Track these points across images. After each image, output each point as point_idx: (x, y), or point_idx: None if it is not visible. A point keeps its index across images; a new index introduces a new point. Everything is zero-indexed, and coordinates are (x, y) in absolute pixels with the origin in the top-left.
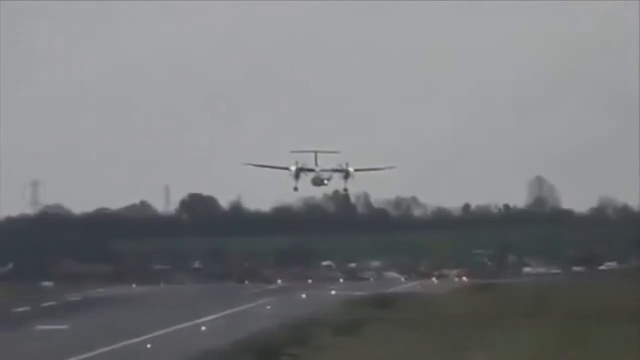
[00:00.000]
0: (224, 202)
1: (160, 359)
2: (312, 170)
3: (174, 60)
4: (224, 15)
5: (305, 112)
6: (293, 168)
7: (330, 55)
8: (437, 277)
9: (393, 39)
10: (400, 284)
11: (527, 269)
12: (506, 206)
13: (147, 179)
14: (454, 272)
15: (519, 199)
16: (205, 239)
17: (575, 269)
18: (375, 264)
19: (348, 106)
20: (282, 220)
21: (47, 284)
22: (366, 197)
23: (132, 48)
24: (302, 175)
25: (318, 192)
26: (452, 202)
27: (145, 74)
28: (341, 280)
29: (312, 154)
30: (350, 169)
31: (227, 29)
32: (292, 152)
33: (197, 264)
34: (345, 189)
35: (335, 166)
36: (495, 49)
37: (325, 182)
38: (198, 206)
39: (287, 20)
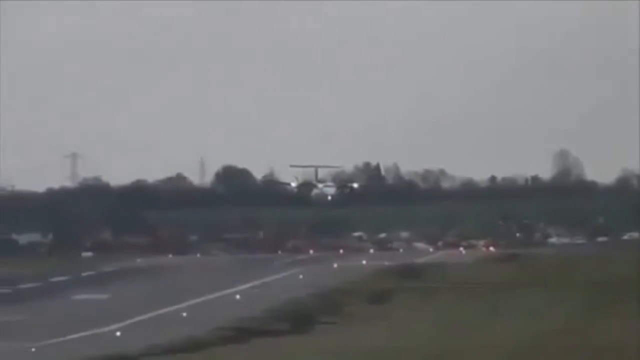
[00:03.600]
0: (258, 174)
1: (197, 326)
2: (313, 185)
3: (211, 35)
4: None
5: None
6: (294, 184)
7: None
8: (465, 247)
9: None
10: (429, 254)
11: (552, 240)
12: (534, 178)
13: (183, 152)
14: (481, 242)
15: (544, 172)
16: (239, 211)
17: (600, 239)
18: (405, 234)
19: (375, 81)
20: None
21: (86, 254)
22: (396, 169)
23: (164, 21)
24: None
25: (349, 166)
26: (479, 174)
27: (180, 47)
28: (371, 250)
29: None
30: (355, 185)
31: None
32: (291, 166)
33: (231, 235)
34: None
35: (331, 180)
36: (519, 21)
37: (329, 198)
38: (232, 178)
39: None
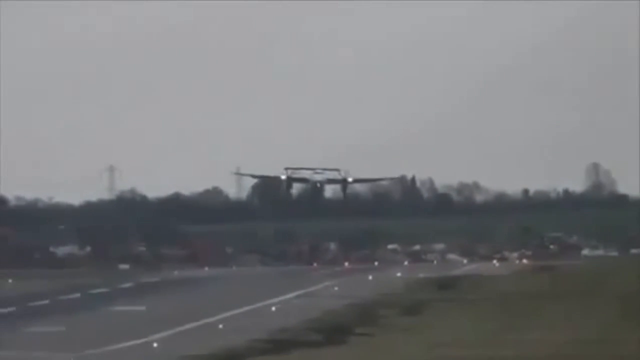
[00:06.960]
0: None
1: (236, 337)
2: (305, 180)
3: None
4: None
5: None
6: (283, 177)
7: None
8: (498, 260)
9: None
10: (463, 266)
11: (585, 252)
12: (566, 191)
13: (219, 165)
14: (515, 254)
15: (577, 185)
16: (275, 224)
17: (632, 251)
18: (439, 247)
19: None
20: (350, 205)
21: (123, 266)
22: (431, 182)
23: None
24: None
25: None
26: (512, 187)
27: (218, 60)
28: (406, 262)
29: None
30: (350, 179)
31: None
32: (286, 169)
33: (267, 247)
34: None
35: (332, 176)
36: (548, 34)
37: (318, 185)
38: (268, 191)
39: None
